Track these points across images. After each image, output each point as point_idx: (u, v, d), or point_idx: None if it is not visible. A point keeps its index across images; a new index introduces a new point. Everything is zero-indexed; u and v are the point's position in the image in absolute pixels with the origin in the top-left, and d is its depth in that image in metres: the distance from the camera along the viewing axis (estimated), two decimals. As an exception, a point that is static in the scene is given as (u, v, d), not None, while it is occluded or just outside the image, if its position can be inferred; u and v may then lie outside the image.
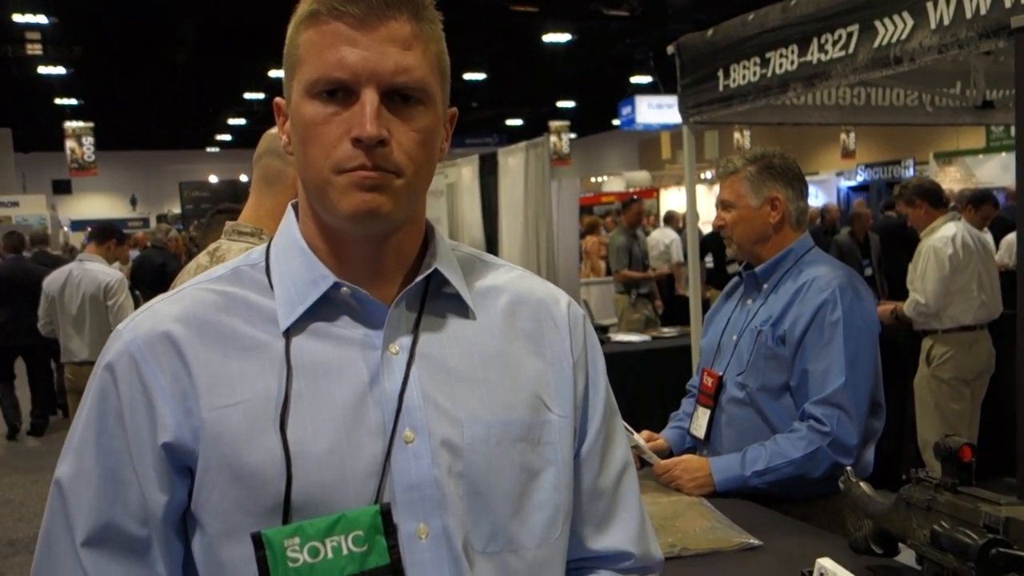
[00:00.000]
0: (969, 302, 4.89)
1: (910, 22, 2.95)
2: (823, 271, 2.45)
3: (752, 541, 2.00)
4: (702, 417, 2.60)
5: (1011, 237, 6.57)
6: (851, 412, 2.31)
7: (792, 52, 3.50)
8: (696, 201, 4.43)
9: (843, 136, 19.22)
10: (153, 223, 22.52)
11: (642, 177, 20.71)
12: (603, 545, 1.16)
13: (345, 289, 1.04)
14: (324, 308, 1.05)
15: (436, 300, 1.09)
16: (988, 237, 6.42)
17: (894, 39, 3.02)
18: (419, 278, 1.07)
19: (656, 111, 18.41)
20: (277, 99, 1.11)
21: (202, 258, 1.93)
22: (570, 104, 23.77)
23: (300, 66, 1.02)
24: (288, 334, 1.03)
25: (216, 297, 1.06)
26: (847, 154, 19.50)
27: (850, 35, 3.20)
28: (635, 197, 10.43)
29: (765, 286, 2.55)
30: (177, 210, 24.56)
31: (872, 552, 1.80)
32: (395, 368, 1.04)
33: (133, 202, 29.59)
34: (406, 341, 1.05)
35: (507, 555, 1.05)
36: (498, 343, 1.10)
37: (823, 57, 3.34)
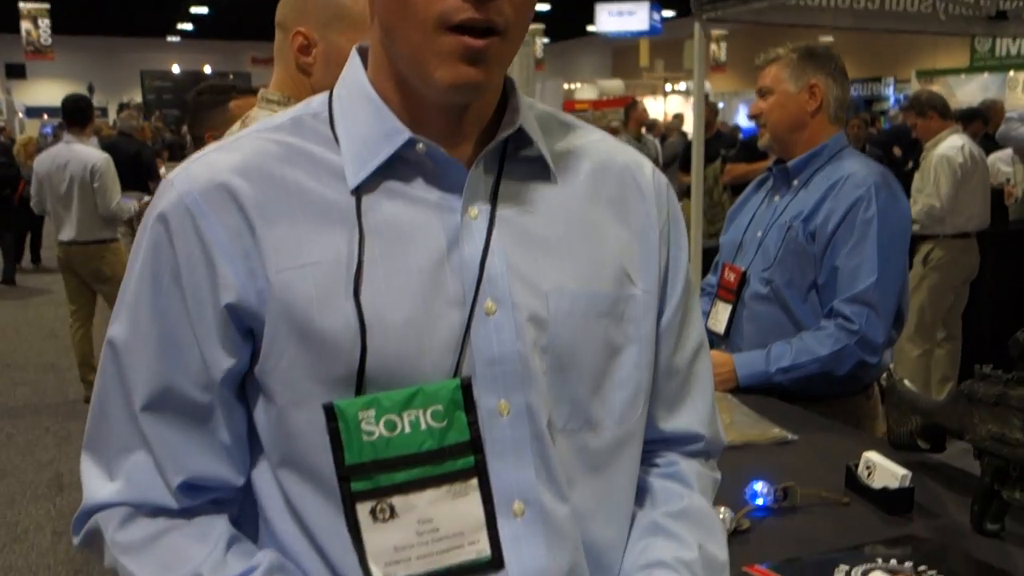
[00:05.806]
0: (972, 209, 5.12)
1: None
2: (858, 167, 2.38)
3: (788, 435, 1.97)
4: (722, 312, 2.55)
5: (994, 156, 6.70)
6: (880, 310, 2.28)
7: (814, -53, 3.37)
8: (703, 105, 4.31)
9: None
10: (112, 113, 21.92)
11: (616, 86, 20.43)
12: (673, 426, 1.11)
13: (421, 146, 0.94)
14: (396, 166, 0.95)
15: (515, 162, 1.00)
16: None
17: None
18: (501, 136, 0.97)
19: (616, 19, 17.98)
20: None
21: (235, 127, 1.82)
22: (544, 7, 23.25)
23: None
24: (358, 192, 0.94)
25: (277, 148, 0.95)
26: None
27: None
28: (635, 100, 10.23)
29: (795, 182, 2.48)
30: (138, 99, 23.88)
31: (916, 448, 1.77)
32: (475, 234, 0.95)
33: (90, 90, 28.64)
34: (485, 206, 0.96)
35: (586, 433, 0.98)
36: (583, 210, 1.01)
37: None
